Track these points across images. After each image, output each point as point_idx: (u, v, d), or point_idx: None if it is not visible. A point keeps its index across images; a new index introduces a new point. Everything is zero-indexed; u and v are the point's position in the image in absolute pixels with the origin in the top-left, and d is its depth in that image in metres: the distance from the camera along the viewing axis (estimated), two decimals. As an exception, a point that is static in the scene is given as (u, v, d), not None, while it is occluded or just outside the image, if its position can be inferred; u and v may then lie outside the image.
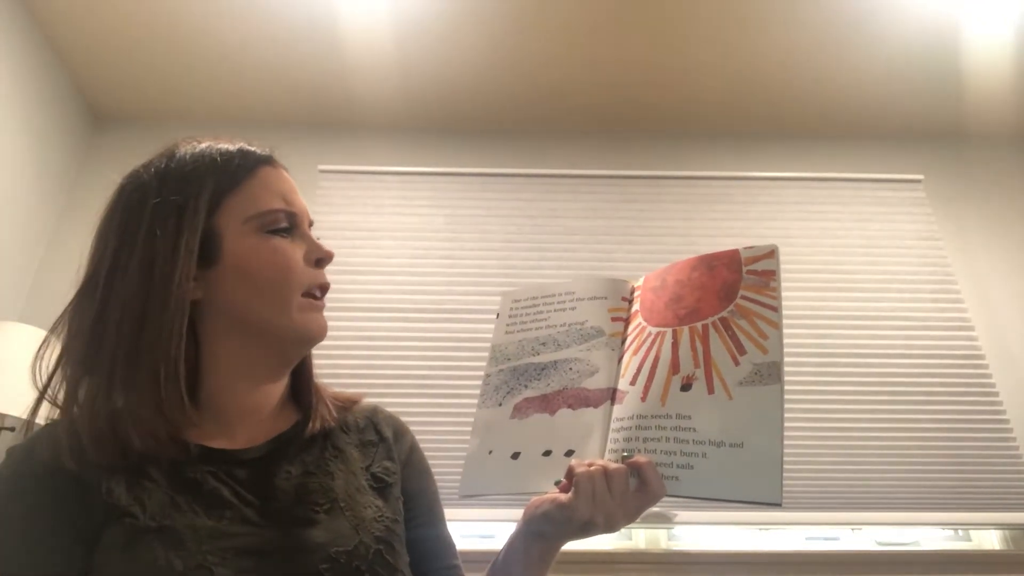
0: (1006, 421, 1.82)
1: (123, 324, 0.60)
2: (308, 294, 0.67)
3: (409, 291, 1.96)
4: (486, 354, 2.02)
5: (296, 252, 0.67)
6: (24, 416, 1.55)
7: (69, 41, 2.00)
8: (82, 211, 2.10)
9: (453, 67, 2.09)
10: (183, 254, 0.61)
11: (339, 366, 1.80)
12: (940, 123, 2.29)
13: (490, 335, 2.08)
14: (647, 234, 2.09)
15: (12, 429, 1.59)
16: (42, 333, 1.61)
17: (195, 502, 0.58)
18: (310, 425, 0.68)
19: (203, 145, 0.68)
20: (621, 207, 2.14)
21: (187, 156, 0.66)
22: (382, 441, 0.74)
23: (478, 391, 2.02)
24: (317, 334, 0.67)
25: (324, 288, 0.68)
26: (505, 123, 2.29)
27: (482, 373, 2.04)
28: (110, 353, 0.60)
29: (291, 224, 0.67)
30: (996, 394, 1.86)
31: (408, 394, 1.80)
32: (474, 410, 1.97)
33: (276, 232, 0.66)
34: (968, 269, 2.10)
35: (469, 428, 1.95)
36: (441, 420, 1.76)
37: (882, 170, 2.23)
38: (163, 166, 0.66)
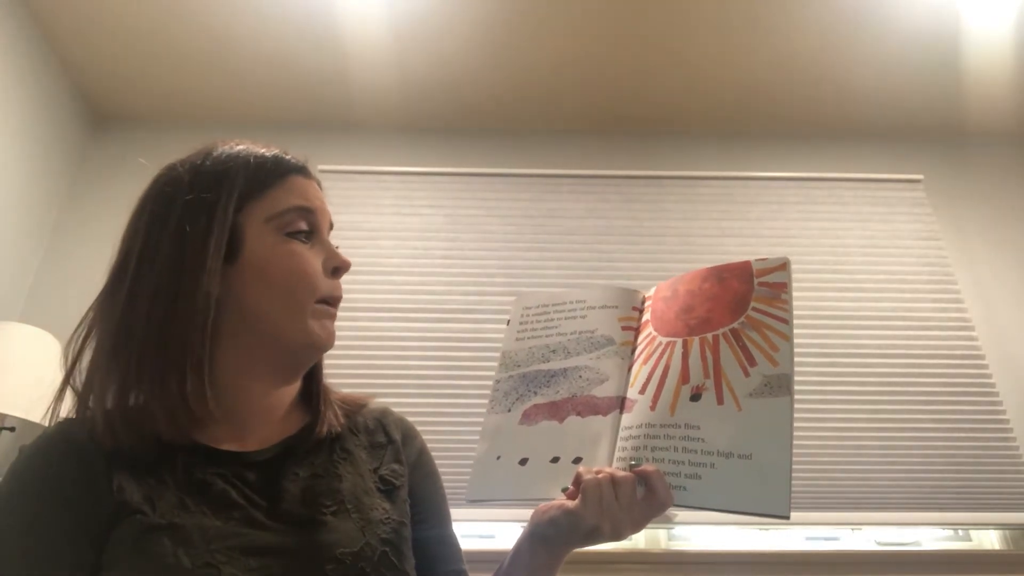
0: (1006, 421, 1.82)
1: (152, 315, 0.61)
2: (322, 301, 0.67)
3: (409, 291, 1.96)
4: (487, 354, 2.03)
5: (314, 259, 0.67)
6: (23, 416, 1.55)
7: (69, 41, 2.00)
8: (82, 211, 2.10)
9: (453, 67, 2.09)
10: (212, 250, 0.62)
11: (339, 366, 1.80)
12: (940, 123, 2.29)
13: (490, 335, 2.09)
14: (647, 234, 2.09)
15: (12, 429, 1.59)
16: (42, 333, 1.62)
17: (204, 503, 0.58)
18: (317, 430, 0.68)
19: (240, 147, 0.68)
20: (621, 207, 2.14)
21: (223, 155, 0.67)
22: (391, 443, 0.74)
23: (479, 391, 2.03)
24: (325, 342, 0.67)
25: (337, 299, 0.69)
26: (505, 123, 2.29)
27: (482, 373, 2.05)
28: (139, 343, 0.61)
29: (311, 228, 0.68)
30: (996, 394, 1.86)
31: (408, 394, 1.81)
32: (475, 410, 1.97)
33: (296, 235, 0.66)
34: (968, 269, 2.10)
35: (469, 428, 1.95)
36: (441, 420, 1.77)
37: (882, 170, 2.23)
38: (198, 163, 0.67)
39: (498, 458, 0.74)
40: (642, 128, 2.31)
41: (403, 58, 2.05)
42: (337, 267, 0.69)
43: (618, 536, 0.62)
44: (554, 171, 2.19)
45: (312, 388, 0.73)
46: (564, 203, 2.14)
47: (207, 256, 0.62)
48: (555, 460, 0.71)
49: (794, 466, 2.08)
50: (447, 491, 0.78)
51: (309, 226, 0.68)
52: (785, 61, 2.08)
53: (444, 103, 2.21)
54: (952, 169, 2.28)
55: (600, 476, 0.62)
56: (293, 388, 0.71)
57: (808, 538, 1.77)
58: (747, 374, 0.63)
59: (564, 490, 0.67)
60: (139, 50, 2.02)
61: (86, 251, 2.02)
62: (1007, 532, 1.76)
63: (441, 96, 2.19)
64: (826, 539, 1.77)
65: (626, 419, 0.69)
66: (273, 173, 0.67)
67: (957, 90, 2.17)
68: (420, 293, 1.96)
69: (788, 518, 0.56)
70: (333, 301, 0.68)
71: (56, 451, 0.59)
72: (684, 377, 0.67)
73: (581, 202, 2.14)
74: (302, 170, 0.70)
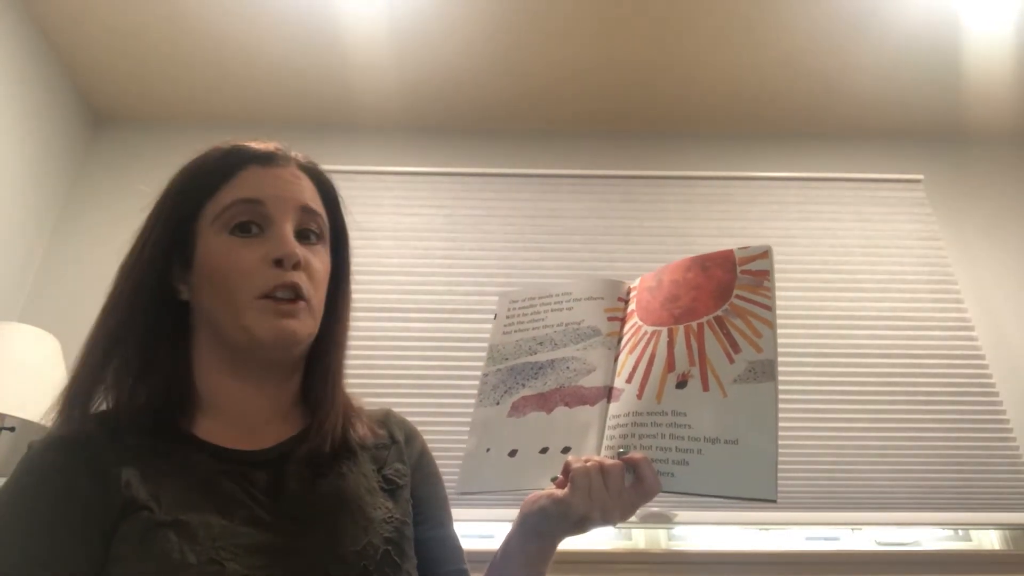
0: (1006, 421, 1.82)
1: (129, 320, 0.65)
2: (267, 296, 0.63)
3: (409, 291, 1.96)
4: (486, 354, 2.02)
5: (252, 252, 0.64)
6: (23, 416, 1.55)
7: (69, 41, 2.00)
8: (82, 211, 2.10)
9: (453, 67, 2.09)
10: (162, 256, 0.66)
11: (339, 366, 1.80)
12: (940, 123, 2.29)
13: (489, 335, 2.08)
14: (647, 234, 2.09)
15: (12, 429, 1.59)
16: (42, 333, 1.62)
17: (209, 501, 0.59)
18: (323, 431, 0.68)
19: (207, 150, 0.70)
20: (621, 207, 2.14)
21: (192, 160, 0.69)
22: (394, 444, 0.74)
23: (477, 391, 2.02)
24: (272, 340, 0.63)
25: (286, 288, 0.63)
26: (505, 123, 2.29)
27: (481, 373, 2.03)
28: (123, 347, 0.64)
29: (260, 221, 0.65)
30: (996, 394, 1.86)
31: (408, 394, 1.81)
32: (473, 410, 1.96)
33: (241, 229, 0.65)
34: (968, 269, 2.10)
35: (469, 428, 1.95)
36: (441, 420, 1.76)
37: (882, 170, 2.23)
38: (176, 170, 0.70)
39: (488, 450, 0.75)
40: (642, 128, 2.32)
41: (403, 58, 2.05)
42: (278, 258, 0.63)
43: (607, 523, 0.62)
44: (554, 171, 2.19)
45: (318, 388, 0.71)
46: (564, 203, 2.14)
47: (146, 262, 0.66)
48: (544, 451, 0.71)
49: (794, 466, 2.08)
50: (447, 491, 0.78)
51: (258, 218, 0.65)
52: (785, 61, 2.08)
53: (444, 103, 2.21)
54: (952, 169, 2.28)
55: (588, 464, 0.63)
56: (286, 389, 0.70)
57: (808, 538, 1.77)
58: (732, 361, 0.64)
59: (553, 479, 0.67)
60: (139, 50, 2.03)
61: (86, 251, 2.02)
62: (1007, 532, 1.76)
63: (441, 96, 2.19)
64: (826, 539, 1.77)
65: (613, 408, 0.70)
66: (224, 170, 0.67)
67: (957, 90, 2.17)
68: (420, 293, 1.96)
69: (775, 501, 0.56)
70: (286, 293, 0.63)
71: (65, 447, 0.59)
72: (670, 365, 0.67)
73: (581, 202, 2.14)
74: (263, 158, 0.68)
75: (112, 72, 2.10)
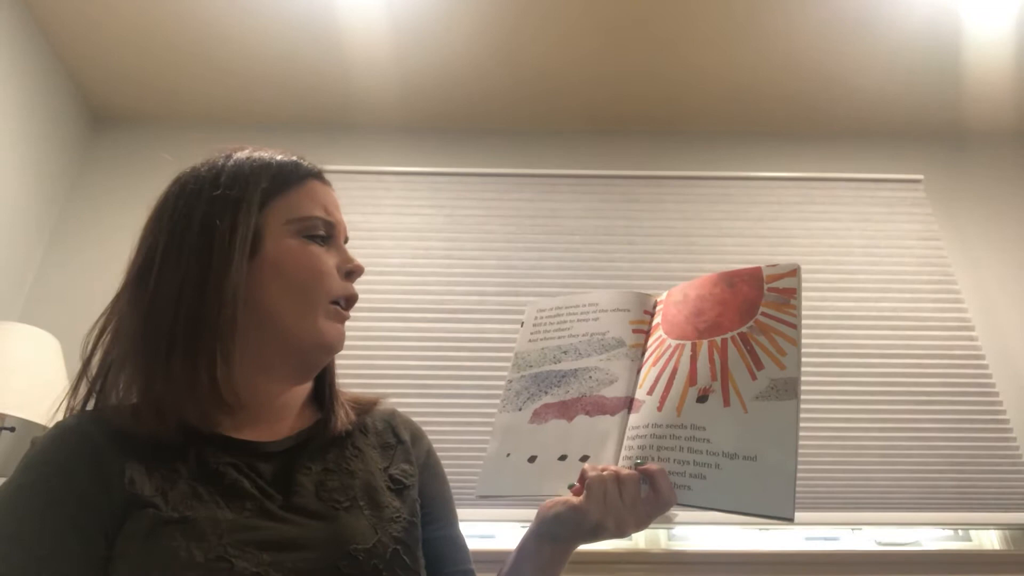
0: (1006, 421, 1.82)
1: (180, 308, 0.62)
2: (335, 303, 0.69)
3: (409, 291, 1.96)
4: (487, 354, 2.03)
5: (330, 260, 0.69)
6: (23, 416, 1.54)
7: (69, 41, 1.99)
8: (82, 211, 2.10)
9: (453, 67, 2.09)
10: (239, 245, 0.64)
11: (339, 366, 1.79)
12: (940, 123, 2.29)
13: (490, 335, 2.09)
14: (647, 234, 2.09)
15: (12, 429, 1.58)
16: (42, 333, 1.61)
17: (216, 493, 0.59)
18: (331, 426, 0.70)
19: (260, 152, 0.71)
20: (621, 207, 2.14)
21: (244, 157, 0.70)
22: (400, 444, 0.75)
23: (479, 391, 2.03)
24: (335, 343, 0.69)
25: (351, 299, 0.71)
26: (504, 123, 2.29)
27: (482, 374, 2.04)
28: (166, 335, 0.61)
29: (328, 234, 0.70)
30: (996, 394, 1.86)
31: (408, 394, 1.80)
32: (475, 410, 1.96)
33: (313, 239, 0.68)
34: (968, 269, 2.10)
35: (469, 428, 1.95)
36: (441, 420, 1.76)
37: (882, 170, 2.23)
38: (220, 164, 0.69)
39: (508, 455, 0.76)
40: (642, 128, 2.31)
41: (403, 58, 2.05)
42: (351, 270, 0.71)
43: (622, 533, 0.63)
44: (554, 171, 2.19)
45: (323, 388, 0.74)
46: (564, 203, 2.14)
47: (234, 250, 0.64)
48: (563, 458, 0.72)
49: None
50: (451, 491, 0.79)
51: (326, 232, 0.71)
52: (785, 61, 2.08)
53: (444, 103, 2.21)
54: (952, 169, 2.28)
55: (605, 473, 0.63)
56: (305, 388, 0.72)
57: (808, 538, 1.77)
58: (754, 377, 0.64)
59: (570, 487, 0.67)
60: (138, 50, 2.02)
61: (86, 251, 2.02)
62: (1007, 532, 1.76)
63: (441, 96, 2.19)
64: (826, 539, 1.77)
65: (633, 419, 0.70)
66: (293, 176, 0.70)
67: (957, 90, 2.18)
68: (420, 293, 1.96)
69: (792, 520, 0.56)
70: (347, 302, 0.71)
71: (67, 444, 0.59)
72: (692, 379, 0.67)
73: (581, 202, 2.14)
74: (319, 175, 0.73)
75: (111, 72, 2.09)
